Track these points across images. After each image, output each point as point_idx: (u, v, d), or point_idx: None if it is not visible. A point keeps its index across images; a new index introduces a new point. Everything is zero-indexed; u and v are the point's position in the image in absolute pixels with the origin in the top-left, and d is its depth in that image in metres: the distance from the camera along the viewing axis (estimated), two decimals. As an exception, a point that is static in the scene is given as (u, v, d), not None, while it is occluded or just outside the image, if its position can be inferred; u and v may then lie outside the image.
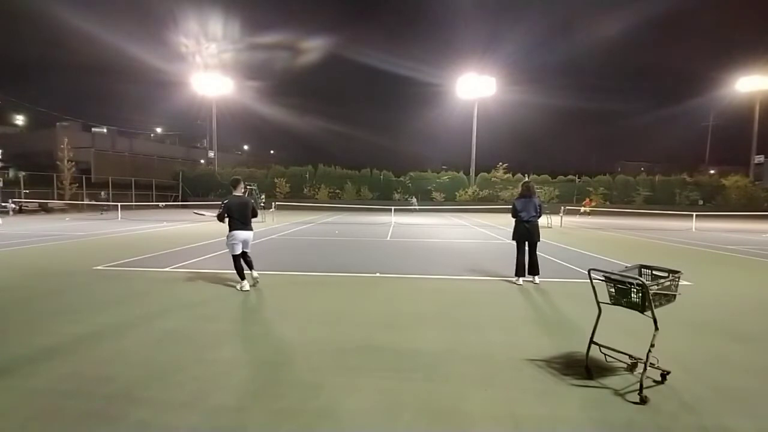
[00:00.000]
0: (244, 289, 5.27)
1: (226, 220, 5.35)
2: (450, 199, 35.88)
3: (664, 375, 2.73)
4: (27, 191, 25.05)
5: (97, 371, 2.85)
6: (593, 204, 29.01)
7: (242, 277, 5.35)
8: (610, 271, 2.79)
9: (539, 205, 5.90)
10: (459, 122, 43.42)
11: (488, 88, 38.50)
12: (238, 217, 5.32)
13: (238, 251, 5.34)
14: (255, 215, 5.55)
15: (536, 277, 5.91)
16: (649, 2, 60.85)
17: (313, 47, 64.47)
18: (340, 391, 2.59)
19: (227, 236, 5.38)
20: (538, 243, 5.92)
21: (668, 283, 2.72)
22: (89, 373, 2.82)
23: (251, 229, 5.48)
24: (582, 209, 27.44)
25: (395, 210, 23.59)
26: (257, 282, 5.48)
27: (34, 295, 5.00)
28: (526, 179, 6.10)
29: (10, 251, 8.55)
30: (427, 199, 36.04)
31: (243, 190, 5.64)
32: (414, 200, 33.18)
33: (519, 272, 5.89)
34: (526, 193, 5.90)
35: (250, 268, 5.50)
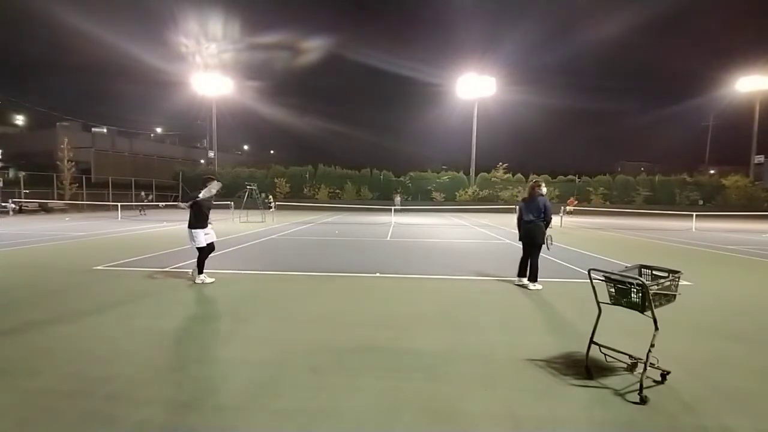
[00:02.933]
0: (203, 281, 5.67)
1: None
2: (450, 199, 35.88)
3: (664, 375, 2.73)
4: (27, 191, 25.06)
5: (97, 371, 2.84)
6: (575, 203, 29.00)
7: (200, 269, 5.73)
8: (610, 271, 2.79)
9: (543, 207, 5.53)
10: (459, 122, 43.47)
11: (488, 88, 38.50)
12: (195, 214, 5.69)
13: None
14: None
15: (531, 284, 5.57)
16: (649, 2, 60.94)
17: (313, 47, 64.54)
18: (340, 391, 2.59)
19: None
20: (543, 248, 5.55)
21: (668, 283, 2.72)
22: (89, 373, 2.82)
23: (190, 227, 5.66)
24: (568, 208, 27.37)
25: (395, 210, 23.59)
26: (200, 283, 5.62)
27: (34, 295, 5.00)
28: (533, 180, 5.90)
29: (10, 251, 8.55)
30: (427, 199, 36.07)
31: (212, 192, 5.68)
32: (398, 199, 33.05)
33: (519, 272, 5.83)
34: (528, 195, 5.73)
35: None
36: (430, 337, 3.62)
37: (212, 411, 2.34)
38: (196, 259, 5.72)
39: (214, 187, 5.64)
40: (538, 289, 5.51)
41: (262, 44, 59.57)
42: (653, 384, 2.69)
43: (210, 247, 5.81)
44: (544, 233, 5.55)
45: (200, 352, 3.28)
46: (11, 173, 29.52)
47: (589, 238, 13.32)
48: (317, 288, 5.56)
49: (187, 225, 5.70)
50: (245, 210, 19.89)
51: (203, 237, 5.66)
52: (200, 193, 5.58)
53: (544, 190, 5.69)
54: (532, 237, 5.62)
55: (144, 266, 6.90)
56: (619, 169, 56.01)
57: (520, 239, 5.83)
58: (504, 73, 45.46)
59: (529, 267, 5.67)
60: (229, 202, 20.39)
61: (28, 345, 3.35)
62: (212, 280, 5.74)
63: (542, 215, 5.54)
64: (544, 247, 5.57)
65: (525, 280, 5.72)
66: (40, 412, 2.30)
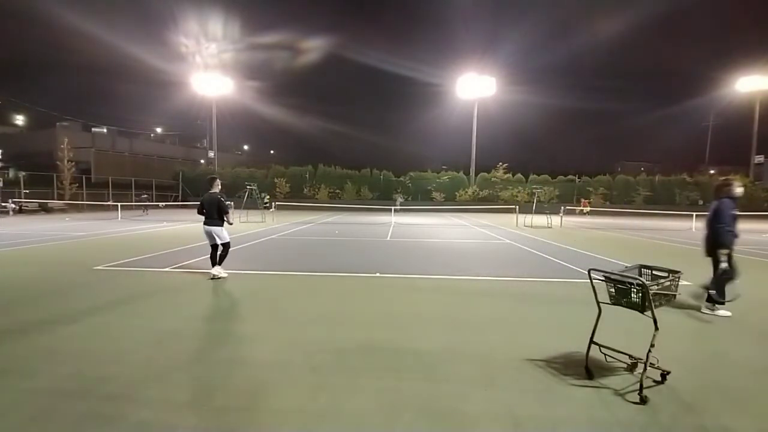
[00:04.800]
0: (211, 275, 5.84)
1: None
2: (450, 199, 35.88)
3: (664, 375, 2.73)
4: (27, 191, 25.05)
5: (97, 371, 2.84)
6: (588, 204, 29.32)
7: (212, 264, 5.95)
8: (610, 271, 2.79)
9: (712, 213, 4.35)
10: (459, 122, 43.48)
11: (488, 88, 38.50)
12: (206, 212, 5.91)
13: (209, 242, 5.97)
14: (223, 212, 5.96)
15: (707, 306, 4.41)
16: (649, 3, 60.97)
17: (313, 47, 64.52)
18: (340, 391, 2.59)
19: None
20: (721, 263, 4.17)
21: (668, 283, 2.72)
22: (89, 373, 2.82)
23: (216, 225, 5.93)
24: (582, 209, 27.60)
25: (395, 210, 23.61)
26: (214, 278, 5.82)
27: (34, 294, 5.00)
28: (723, 178, 4.67)
29: (10, 251, 8.55)
30: (427, 198, 36.07)
31: (218, 188, 6.06)
32: (399, 199, 33.13)
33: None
34: (714, 195, 4.54)
35: (212, 263, 5.95)
36: (430, 337, 3.61)
37: (212, 411, 2.34)
38: (220, 256, 5.97)
39: (218, 184, 6.12)
40: (724, 316, 4.26)
41: (262, 44, 59.56)
42: (653, 384, 2.69)
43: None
44: (721, 245, 4.23)
45: (200, 352, 3.28)
46: (11, 173, 29.52)
47: (589, 238, 13.32)
48: (317, 288, 5.56)
49: (210, 225, 5.89)
50: (245, 210, 19.89)
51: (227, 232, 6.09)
52: (220, 194, 6.01)
53: (737, 190, 4.39)
54: (707, 246, 4.43)
55: (144, 266, 6.90)
56: (619, 169, 55.99)
57: None
58: (504, 73, 45.62)
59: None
60: (229, 202, 20.40)
61: (28, 345, 3.35)
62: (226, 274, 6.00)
63: (713, 219, 4.34)
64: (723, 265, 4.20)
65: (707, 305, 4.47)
66: (40, 412, 2.30)
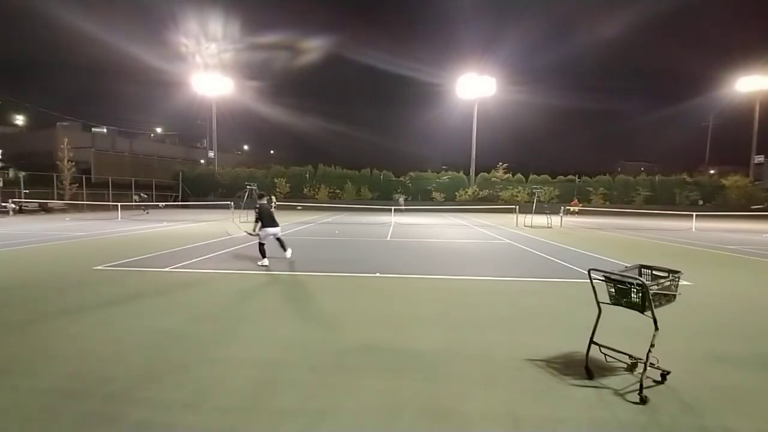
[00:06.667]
0: (263, 264, 6.98)
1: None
2: (450, 199, 35.88)
3: (664, 375, 2.73)
4: (27, 191, 25.04)
5: (97, 371, 2.84)
6: (579, 204, 29.49)
7: (263, 255, 7.10)
8: (610, 271, 2.79)
9: None
10: (459, 122, 43.55)
11: (488, 88, 38.52)
12: (271, 219, 7.30)
13: (266, 243, 7.28)
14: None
15: None
16: (649, 2, 61.00)
17: (313, 47, 64.55)
18: (340, 391, 2.59)
19: (261, 231, 7.30)
20: None
21: (668, 283, 2.72)
22: (89, 373, 2.82)
23: (278, 225, 7.48)
24: (571, 209, 27.71)
25: (395, 210, 23.62)
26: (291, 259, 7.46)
27: (34, 295, 5.00)
28: None
29: (10, 251, 8.55)
30: (427, 198, 36.07)
31: (267, 200, 7.53)
32: (401, 199, 33.19)
33: None
34: None
35: (264, 255, 7.13)
36: (430, 337, 3.61)
37: (212, 411, 2.34)
38: (281, 244, 7.51)
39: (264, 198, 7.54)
40: None
41: (262, 44, 59.57)
42: (653, 384, 2.69)
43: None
44: None
45: (200, 352, 3.28)
46: (11, 173, 29.49)
47: (589, 238, 13.32)
48: (317, 288, 5.56)
49: (275, 228, 7.35)
50: (245, 210, 19.88)
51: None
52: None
53: None
54: None
55: (144, 266, 6.90)
56: (619, 169, 55.95)
57: None
58: (504, 73, 45.76)
59: None
60: (229, 202, 20.41)
61: (29, 345, 3.35)
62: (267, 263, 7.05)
63: None
64: None
65: None
66: (40, 412, 2.30)
